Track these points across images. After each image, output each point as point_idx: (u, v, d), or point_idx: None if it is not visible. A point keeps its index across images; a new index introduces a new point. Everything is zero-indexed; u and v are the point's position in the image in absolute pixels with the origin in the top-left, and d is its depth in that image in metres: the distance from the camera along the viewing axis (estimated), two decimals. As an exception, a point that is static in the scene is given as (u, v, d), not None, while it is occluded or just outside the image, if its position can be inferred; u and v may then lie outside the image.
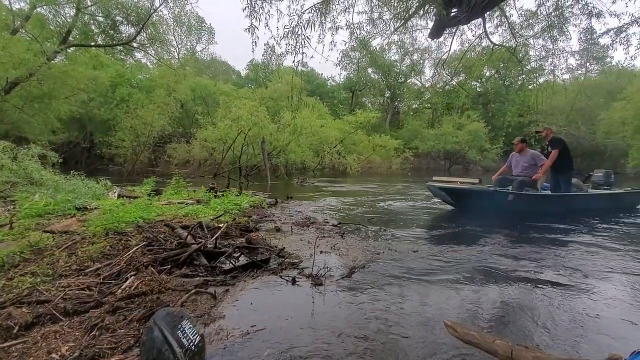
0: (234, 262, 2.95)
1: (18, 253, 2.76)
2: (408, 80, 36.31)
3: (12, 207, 4.87)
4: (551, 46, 7.40)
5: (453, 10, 6.01)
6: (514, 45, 7.89)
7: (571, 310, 2.30)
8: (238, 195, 6.79)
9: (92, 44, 17.37)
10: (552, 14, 6.75)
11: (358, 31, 7.40)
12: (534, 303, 2.40)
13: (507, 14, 7.64)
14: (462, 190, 6.04)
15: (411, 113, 37.68)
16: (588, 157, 26.24)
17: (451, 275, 2.92)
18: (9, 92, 11.43)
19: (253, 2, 5.59)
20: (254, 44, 5.88)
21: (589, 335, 1.97)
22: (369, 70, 35.79)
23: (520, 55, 8.75)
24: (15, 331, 1.75)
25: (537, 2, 6.89)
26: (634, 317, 2.22)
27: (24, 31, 13.43)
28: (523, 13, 7.78)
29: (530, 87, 29.27)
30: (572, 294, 2.59)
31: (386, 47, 26.94)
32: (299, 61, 6.41)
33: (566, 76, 15.19)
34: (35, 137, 12.08)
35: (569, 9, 6.72)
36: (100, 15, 15.95)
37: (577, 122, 25.94)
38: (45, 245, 2.99)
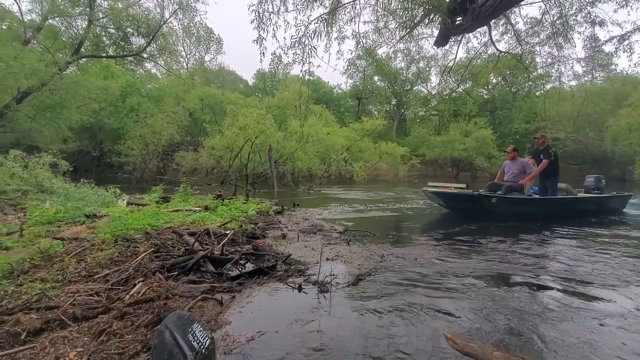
0: (240, 269, 2.96)
1: (28, 259, 2.80)
2: (414, 88, 36.36)
3: (22, 214, 4.96)
4: (557, 53, 7.37)
5: (458, 19, 6.04)
6: (520, 53, 7.88)
7: (572, 319, 2.26)
8: (245, 203, 6.82)
9: (104, 54, 17.77)
10: (557, 21, 6.75)
11: (364, 40, 7.42)
12: (535, 312, 2.37)
13: (513, 21, 7.65)
14: (452, 194, 6.67)
15: (418, 120, 37.60)
16: (597, 164, 25.86)
17: (454, 283, 2.90)
18: (21, 102, 11.70)
19: (261, 15, 5.67)
20: (261, 54, 5.94)
21: (591, 347, 1.92)
22: (375, 78, 35.93)
23: (527, 62, 8.71)
24: (23, 337, 1.76)
25: (541, 10, 6.90)
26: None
27: (35, 42, 13.78)
28: (528, 21, 7.79)
29: (537, 93, 29.15)
30: (572, 302, 2.55)
31: (392, 55, 27.13)
32: (305, 70, 6.45)
33: (573, 82, 15.09)
34: (46, 146, 12.28)
35: (573, 17, 6.73)
36: (112, 27, 16.33)
37: (585, 129, 25.66)
38: (55, 251, 3.03)
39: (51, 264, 2.77)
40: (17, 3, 12.96)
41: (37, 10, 14.90)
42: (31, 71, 11.32)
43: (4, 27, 12.92)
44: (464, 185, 6.87)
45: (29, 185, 6.21)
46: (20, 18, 13.43)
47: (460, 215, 6.97)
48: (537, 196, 6.87)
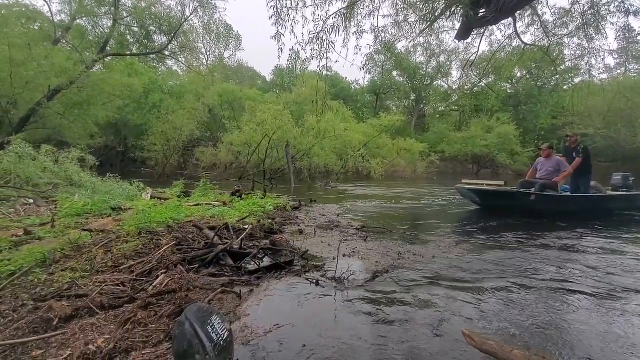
0: (258, 263, 3.01)
1: (59, 250, 2.94)
2: (434, 83, 35.54)
3: (54, 206, 5.20)
4: (587, 45, 7.04)
5: (481, 11, 5.87)
6: (547, 45, 7.58)
7: (596, 319, 2.19)
8: (262, 198, 6.90)
9: (128, 53, 18.29)
10: (588, 12, 6.45)
11: (383, 34, 7.35)
12: (557, 310, 2.31)
13: (540, 12, 7.37)
14: (488, 192, 6.76)
15: (437, 116, 36.83)
16: (629, 161, 24.59)
17: (472, 280, 2.85)
18: (52, 99, 12.19)
19: (279, 10, 5.69)
20: (279, 50, 5.97)
21: (615, 347, 1.86)
22: (394, 73, 35.35)
23: (554, 54, 8.39)
24: (55, 323, 1.87)
25: (571, 0, 6.62)
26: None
27: (65, 42, 14.32)
28: (556, 11, 7.47)
29: (565, 87, 27.92)
30: (597, 302, 2.46)
31: (412, 50, 26.51)
32: (323, 66, 6.44)
33: (604, 76, 14.37)
34: (75, 141, 12.73)
35: (605, 7, 6.43)
36: (135, 25, 16.80)
37: (616, 125, 24.39)
38: (84, 242, 3.17)
39: (80, 254, 2.90)
40: (47, 4, 13.51)
41: (66, 11, 15.50)
42: (61, 70, 11.79)
43: (36, 27, 13.46)
44: (502, 183, 6.94)
45: (59, 178, 6.48)
46: (51, 19, 13.97)
47: (480, 212, 6.96)
48: (569, 194, 6.86)
